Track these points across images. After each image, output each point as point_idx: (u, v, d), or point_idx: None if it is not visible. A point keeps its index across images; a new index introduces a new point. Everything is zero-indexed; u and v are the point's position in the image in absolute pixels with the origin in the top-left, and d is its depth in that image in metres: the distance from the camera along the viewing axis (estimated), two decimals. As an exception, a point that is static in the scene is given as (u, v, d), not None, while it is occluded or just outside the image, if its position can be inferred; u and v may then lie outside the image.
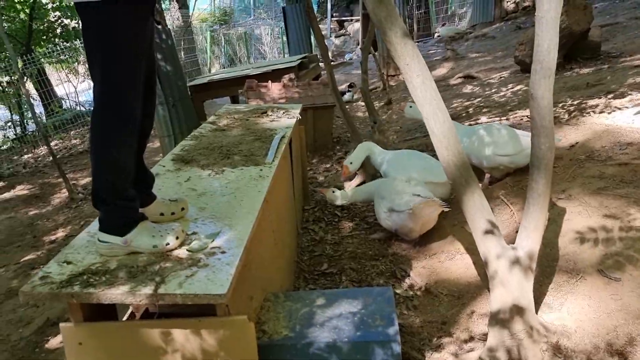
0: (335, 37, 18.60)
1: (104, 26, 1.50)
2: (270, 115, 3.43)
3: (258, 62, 17.79)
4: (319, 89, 5.36)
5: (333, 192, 3.33)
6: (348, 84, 8.58)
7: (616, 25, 7.20)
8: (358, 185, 4.06)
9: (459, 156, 1.84)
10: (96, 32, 1.50)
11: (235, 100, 6.92)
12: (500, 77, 6.49)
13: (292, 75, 5.99)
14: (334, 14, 19.65)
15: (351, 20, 19.11)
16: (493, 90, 5.88)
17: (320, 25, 16.52)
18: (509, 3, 11.75)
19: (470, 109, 5.27)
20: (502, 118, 4.47)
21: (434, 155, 3.01)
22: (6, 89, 11.30)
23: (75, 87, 12.62)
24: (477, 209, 1.85)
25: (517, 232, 1.92)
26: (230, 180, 2.22)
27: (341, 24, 19.42)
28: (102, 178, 1.60)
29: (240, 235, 1.69)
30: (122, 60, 1.52)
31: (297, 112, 3.52)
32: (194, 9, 12.21)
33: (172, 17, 10.44)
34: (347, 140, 5.69)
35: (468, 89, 6.47)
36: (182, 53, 9.62)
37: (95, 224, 1.74)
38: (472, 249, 2.73)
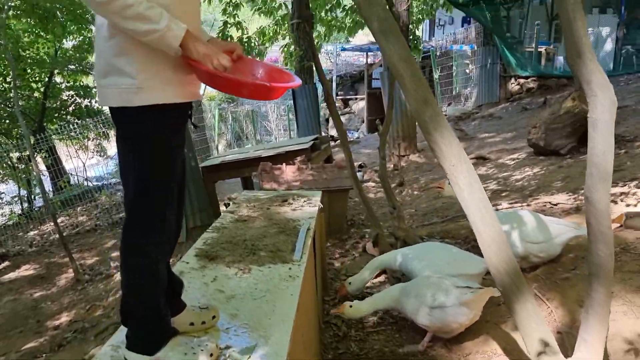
0: (340, 114, 18.94)
1: (142, 136, 1.44)
2: (292, 204, 3.34)
3: (266, 140, 18.06)
4: (334, 172, 5.32)
5: (350, 306, 2.92)
6: (358, 164, 8.58)
7: (625, 108, 7.27)
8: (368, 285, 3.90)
9: (510, 262, 1.73)
10: (133, 141, 1.45)
11: (246, 181, 6.89)
12: (514, 160, 6.47)
13: (305, 157, 5.97)
14: (338, 92, 20.10)
15: (356, 98, 19.53)
16: (509, 173, 5.83)
17: (323, 105, 16.87)
18: (513, 85, 12.00)
19: (488, 193, 5.20)
20: (523, 204, 4.38)
21: (452, 243, 2.89)
22: (16, 165, 11.37)
23: (84, 162, 12.70)
24: (530, 320, 1.71)
25: (558, 332, 1.78)
26: (259, 280, 2.10)
27: (346, 102, 19.82)
28: (132, 290, 1.49)
29: (277, 349, 1.55)
30: (159, 171, 1.46)
31: (318, 200, 3.44)
32: (205, 89, 12.50)
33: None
34: (362, 223, 5.59)
35: (482, 170, 6.43)
36: (191, 132, 9.73)
37: (119, 335, 1.61)
38: (510, 350, 2.55)
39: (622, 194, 3.90)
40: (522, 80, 11.83)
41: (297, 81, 1.60)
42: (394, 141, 8.30)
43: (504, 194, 5.00)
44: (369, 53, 18.16)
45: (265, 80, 1.65)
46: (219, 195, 7.17)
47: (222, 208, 6.89)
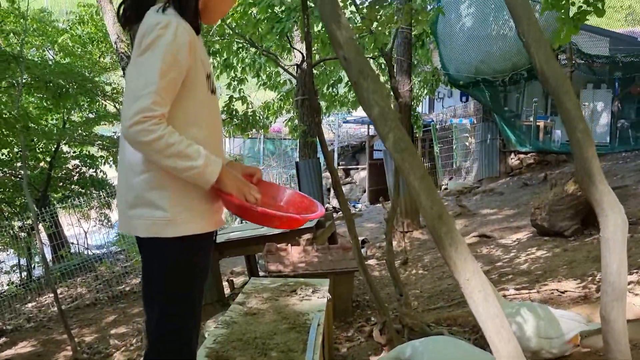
0: (342, 184, 19.08)
1: (170, 262, 1.48)
2: (300, 294, 3.34)
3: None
4: (339, 253, 5.32)
5: None
6: (361, 239, 8.57)
7: (625, 188, 7.35)
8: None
9: (528, 379, 1.72)
10: (160, 266, 1.48)
11: (250, 260, 6.87)
12: (518, 240, 6.48)
13: (311, 236, 5.99)
14: (340, 162, 20.36)
15: (357, 168, 19.76)
16: (513, 254, 5.83)
17: (326, 174, 17.04)
18: (513, 159, 12.18)
19: (494, 275, 5.18)
20: (531, 290, 4.36)
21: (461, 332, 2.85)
22: (17, 234, 11.35)
23: (85, 231, 12.69)
24: None
25: None
26: (271, 386, 2.07)
27: (347, 172, 20.03)
28: None
29: None
30: (186, 295, 1.49)
31: (326, 290, 3.44)
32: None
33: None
34: (367, 305, 5.53)
35: (485, 250, 6.43)
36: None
37: None
38: None
39: (630, 282, 3.89)
40: (522, 156, 12.02)
41: (321, 209, 1.67)
42: (397, 217, 8.33)
43: (509, 277, 4.98)
44: (370, 125, 18.53)
45: (286, 204, 1.73)
46: (224, 274, 7.13)
47: (225, 283, 6.84)
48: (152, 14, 1.49)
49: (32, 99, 10.66)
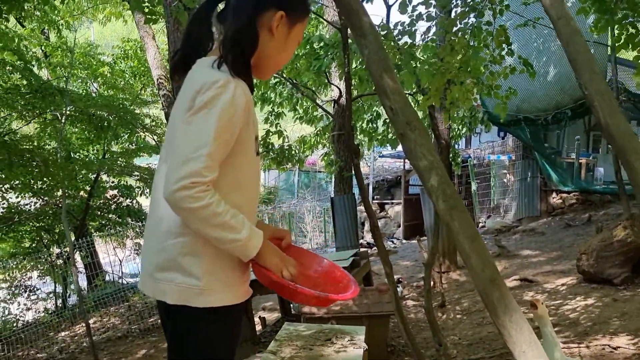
0: (377, 218, 18.88)
1: (200, 332, 1.39)
2: (335, 344, 3.20)
3: (301, 242, 18.00)
4: (374, 295, 5.17)
5: None
6: (396, 278, 8.36)
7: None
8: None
9: None
10: (189, 335, 1.40)
11: (283, 300, 6.75)
12: (563, 285, 6.19)
13: (345, 276, 5.84)
14: (375, 197, 20.18)
15: (392, 203, 19.54)
16: (559, 302, 5.55)
17: (361, 207, 16.84)
18: (555, 199, 11.82)
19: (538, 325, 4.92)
20: (580, 344, 4.10)
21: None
22: (55, 262, 11.51)
23: (120, 260, 12.82)
24: None
25: None
26: None
27: (382, 206, 19.83)
28: None
29: None
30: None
31: (362, 339, 3.29)
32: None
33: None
34: (402, 350, 5.33)
35: (528, 295, 6.15)
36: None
37: None
38: None
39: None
40: (564, 195, 11.65)
41: (355, 286, 1.56)
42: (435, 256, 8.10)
43: (556, 329, 4.71)
44: (406, 159, 18.37)
45: (316, 274, 1.63)
46: (255, 311, 7.02)
47: (257, 319, 6.72)
48: (206, 68, 1.41)
49: (75, 129, 10.92)
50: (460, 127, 12.16)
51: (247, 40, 1.43)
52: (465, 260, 1.61)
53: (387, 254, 3.96)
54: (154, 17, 3.79)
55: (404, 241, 15.30)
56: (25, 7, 7.32)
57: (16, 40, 8.91)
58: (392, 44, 3.94)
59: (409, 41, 4.22)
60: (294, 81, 9.31)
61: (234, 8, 1.46)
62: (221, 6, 1.55)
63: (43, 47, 11.36)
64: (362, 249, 8.55)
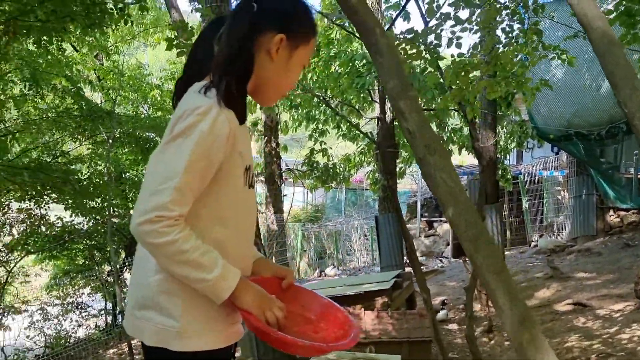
0: (425, 237, 18.54)
1: None
2: (367, 373, 3.06)
3: (347, 259, 17.84)
4: (415, 320, 4.97)
5: None
6: (442, 299, 8.10)
7: None
8: None
9: None
10: None
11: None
12: (620, 311, 5.81)
13: (386, 299, 5.67)
14: (423, 214, 19.83)
15: (440, 221, 19.13)
16: (615, 329, 5.20)
17: (409, 225, 16.52)
18: (612, 217, 11.24)
19: (591, 354, 4.61)
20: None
21: None
22: (106, 279, 11.78)
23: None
24: None
25: None
26: None
27: (430, 224, 19.45)
28: None
29: None
30: None
31: (397, 369, 3.14)
32: (289, 213, 12.68)
33: (266, 221, 10.82)
34: (446, 378, 5.09)
35: (581, 321, 5.81)
36: (274, 257, 9.74)
37: None
38: None
39: None
40: (622, 213, 11.06)
41: (355, 335, 1.41)
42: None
43: (611, 360, 4.40)
44: (454, 176, 17.99)
45: (317, 317, 1.50)
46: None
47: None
48: (193, 94, 1.32)
49: (125, 150, 11.21)
50: (509, 142, 11.80)
51: (239, 65, 1.34)
52: (491, 298, 1.46)
53: (424, 277, 3.80)
54: (183, 50, 3.80)
55: (453, 260, 14.91)
56: (76, 34, 7.59)
57: (69, 65, 9.26)
58: (417, 44, 3.82)
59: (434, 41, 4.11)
60: (333, 99, 9.26)
61: (229, 29, 1.37)
62: None
63: (96, 71, 11.78)
64: (407, 269, 8.35)
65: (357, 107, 10.06)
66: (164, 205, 1.21)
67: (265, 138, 11.20)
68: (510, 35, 4.09)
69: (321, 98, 8.59)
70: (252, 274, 1.50)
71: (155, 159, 1.29)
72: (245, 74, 1.35)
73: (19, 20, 3.66)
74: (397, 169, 10.94)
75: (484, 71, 3.84)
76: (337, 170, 11.08)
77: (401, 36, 3.78)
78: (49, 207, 9.84)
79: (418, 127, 1.55)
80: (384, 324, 4.94)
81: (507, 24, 4.06)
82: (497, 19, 3.86)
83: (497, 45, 4.14)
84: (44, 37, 4.55)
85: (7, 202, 9.31)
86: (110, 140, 7.86)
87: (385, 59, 1.60)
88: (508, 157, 15.37)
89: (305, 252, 17.40)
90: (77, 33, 7.41)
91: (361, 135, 11.54)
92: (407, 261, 14.34)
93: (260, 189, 12.67)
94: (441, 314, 7.29)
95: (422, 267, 11.91)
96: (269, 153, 11.08)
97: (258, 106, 10.33)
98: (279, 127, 11.48)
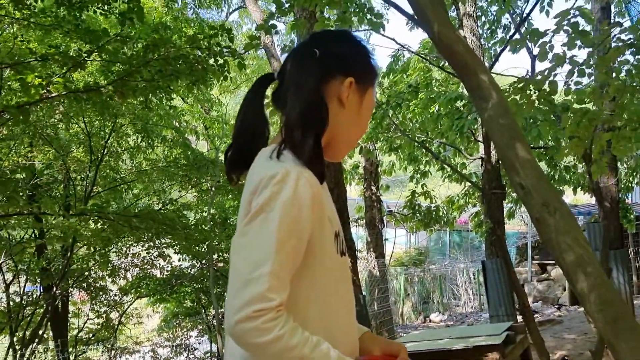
0: (537, 281, 17.36)
1: None
2: None
3: (454, 304, 17.04)
4: (533, 381, 4.48)
5: None
6: (561, 355, 7.36)
7: None
8: None
9: None
10: None
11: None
12: None
13: (498, 356, 5.21)
14: (534, 257, 18.65)
15: (554, 264, 17.86)
16: None
17: (519, 269, 15.50)
18: None
19: None
20: None
21: None
22: (211, 322, 12.05)
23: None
24: None
25: None
26: None
27: (543, 268, 18.22)
28: None
29: None
30: None
31: None
32: (391, 257, 12.35)
33: (368, 266, 10.58)
34: None
35: None
36: (375, 304, 9.43)
37: None
38: None
39: None
40: None
41: None
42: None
43: None
44: (568, 216, 16.81)
45: None
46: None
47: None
48: (263, 161, 1.18)
49: (229, 196, 11.57)
50: (631, 179, 10.84)
51: (316, 117, 1.19)
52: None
53: (543, 342, 3.39)
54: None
55: (571, 308, 13.72)
56: (181, 90, 8.01)
57: (178, 116, 9.81)
58: (529, 92, 3.49)
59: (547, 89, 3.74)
60: (434, 141, 9.00)
61: (295, 82, 1.23)
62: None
63: (203, 121, 12.41)
64: (519, 321, 7.71)
65: (461, 147, 9.69)
66: (262, 295, 1.04)
67: (366, 182, 11.09)
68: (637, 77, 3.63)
69: (419, 142, 8.36)
70: (360, 351, 1.31)
71: (238, 245, 1.13)
72: (323, 125, 1.21)
73: (126, 80, 3.84)
74: (507, 210, 10.37)
75: (606, 121, 3.41)
76: (440, 213, 10.69)
77: (509, 87, 3.47)
78: (163, 252, 10.28)
79: (533, 182, 1.31)
80: (496, 386, 4.49)
81: (632, 64, 3.60)
82: (620, 58, 3.46)
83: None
84: (150, 96, 4.77)
85: (125, 248, 9.84)
86: (214, 188, 8.09)
87: (490, 103, 1.39)
88: (630, 196, 14.12)
89: (408, 297, 16.85)
90: (182, 89, 7.83)
91: (467, 174, 11.11)
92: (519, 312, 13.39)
93: (362, 232, 12.50)
94: (562, 373, 6.60)
95: (535, 315, 11.01)
96: (369, 197, 10.94)
97: (357, 150, 10.36)
98: (379, 170, 11.34)
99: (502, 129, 1.38)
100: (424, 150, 10.89)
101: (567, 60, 3.41)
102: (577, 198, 19.39)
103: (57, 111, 7.09)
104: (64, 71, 3.76)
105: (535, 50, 3.68)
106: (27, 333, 8.41)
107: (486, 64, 7.23)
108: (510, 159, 1.34)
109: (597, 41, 3.53)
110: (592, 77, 3.59)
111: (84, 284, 9.69)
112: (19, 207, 6.44)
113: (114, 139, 8.28)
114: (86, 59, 3.63)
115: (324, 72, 1.24)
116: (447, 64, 6.39)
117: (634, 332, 1.15)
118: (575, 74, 3.48)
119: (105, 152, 8.34)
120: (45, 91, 3.53)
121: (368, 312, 5.90)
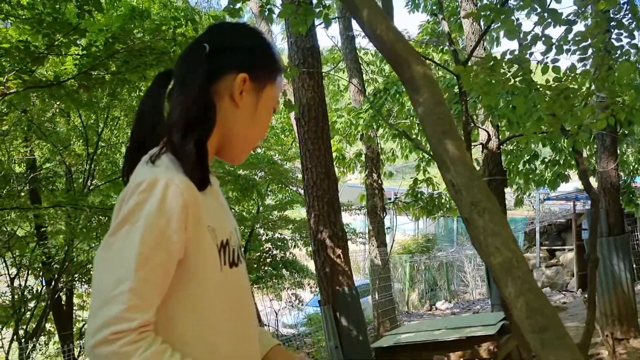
0: (546, 267, 17.21)
1: None
2: None
3: (461, 290, 16.97)
4: (524, 373, 4.41)
5: None
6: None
7: None
8: None
9: None
10: None
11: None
12: None
13: (492, 346, 5.13)
14: (543, 242, 18.48)
15: (564, 249, 17.67)
16: None
17: (528, 254, 15.32)
18: None
19: None
20: None
21: None
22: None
23: (276, 311, 13.16)
24: None
25: None
26: None
27: (552, 253, 18.06)
28: None
29: None
30: None
31: None
32: (392, 245, 12.26)
33: (369, 256, 10.51)
34: None
35: None
36: (377, 294, 9.36)
37: None
38: None
39: None
40: None
41: None
42: (607, 319, 6.91)
43: None
44: (576, 201, 16.57)
45: None
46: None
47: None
48: (140, 165, 1.08)
49: (226, 187, 11.55)
50: (635, 163, 10.65)
51: (200, 117, 1.09)
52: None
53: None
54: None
55: (578, 293, 13.59)
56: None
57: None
58: (502, 71, 3.37)
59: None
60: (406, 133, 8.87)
61: (180, 79, 1.14)
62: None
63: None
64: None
65: (460, 133, 9.55)
66: (120, 316, 0.94)
67: (367, 170, 10.96)
68: (616, 52, 3.50)
69: (399, 130, 8.24)
70: None
71: (99, 258, 1.01)
72: (209, 126, 1.11)
73: (90, 74, 3.77)
74: (515, 197, 10.30)
75: (584, 96, 3.30)
76: (442, 200, 10.58)
77: (477, 64, 3.36)
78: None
79: (464, 180, 1.21)
80: (487, 378, 4.43)
81: (612, 38, 3.48)
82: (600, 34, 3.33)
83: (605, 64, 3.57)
84: (117, 89, 4.67)
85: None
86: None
87: (422, 94, 1.30)
88: (638, 179, 13.88)
89: (415, 285, 16.78)
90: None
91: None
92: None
93: (364, 221, 12.42)
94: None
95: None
96: (370, 185, 10.81)
97: (358, 137, 10.24)
98: (381, 157, 11.19)
99: (434, 123, 1.29)
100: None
101: (542, 39, 3.30)
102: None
103: (54, 105, 7.06)
104: (21, 66, 3.67)
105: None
106: (31, 326, 8.47)
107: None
108: (440, 155, 1.25)
109: (571, 17, 3.40)
110: (569, 54, 3.49)
111: (87, 277, 9.71)
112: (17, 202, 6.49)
113: (109, 130, 8.23)
114: (44, 53, 3.56)
115: (214, 68, 1.14)
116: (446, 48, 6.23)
117: (561, 342, 1.06)
118: (553, 51, 3.38)
119: (99, 144, 8.30)
120: (3, 87, 3.47)
121: (361, 304, 5.84)
